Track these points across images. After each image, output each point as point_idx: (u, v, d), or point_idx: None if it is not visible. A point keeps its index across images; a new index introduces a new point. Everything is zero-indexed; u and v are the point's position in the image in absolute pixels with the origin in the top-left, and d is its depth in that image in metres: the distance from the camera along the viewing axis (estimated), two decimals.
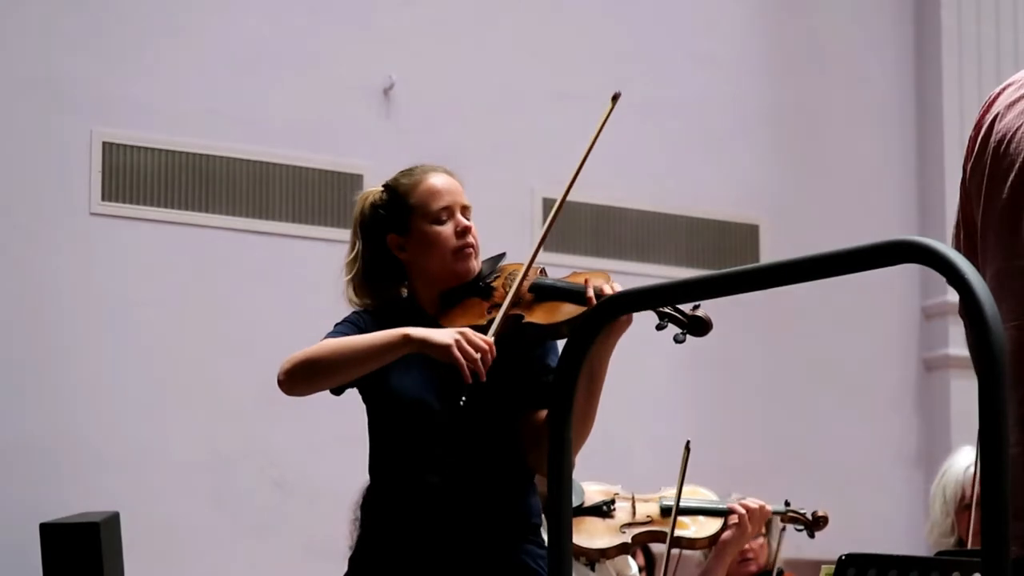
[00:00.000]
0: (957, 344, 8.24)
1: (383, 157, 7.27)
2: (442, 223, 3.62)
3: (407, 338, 3.45)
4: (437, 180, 3.68)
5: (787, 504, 4.86)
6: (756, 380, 8.08)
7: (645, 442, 7.34)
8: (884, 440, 8.28)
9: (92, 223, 6.90)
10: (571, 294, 3.58)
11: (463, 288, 3.66)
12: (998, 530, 1.66)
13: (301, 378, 3.55)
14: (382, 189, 3.73)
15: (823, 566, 4.71)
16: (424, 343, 3.43)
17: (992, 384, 1.66)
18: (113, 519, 6.14)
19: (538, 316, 3.58)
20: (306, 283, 7.16)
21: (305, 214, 7.25)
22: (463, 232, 3.63)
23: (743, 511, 4.61)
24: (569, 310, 3.56)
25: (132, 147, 6.99)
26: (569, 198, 8.57)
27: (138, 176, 7.00)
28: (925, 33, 8.58)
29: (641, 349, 7.41)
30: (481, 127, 7.57)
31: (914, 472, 8.31)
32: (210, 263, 7.06)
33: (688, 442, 4.48)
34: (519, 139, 7.66)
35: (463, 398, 3.42)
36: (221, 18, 7.21)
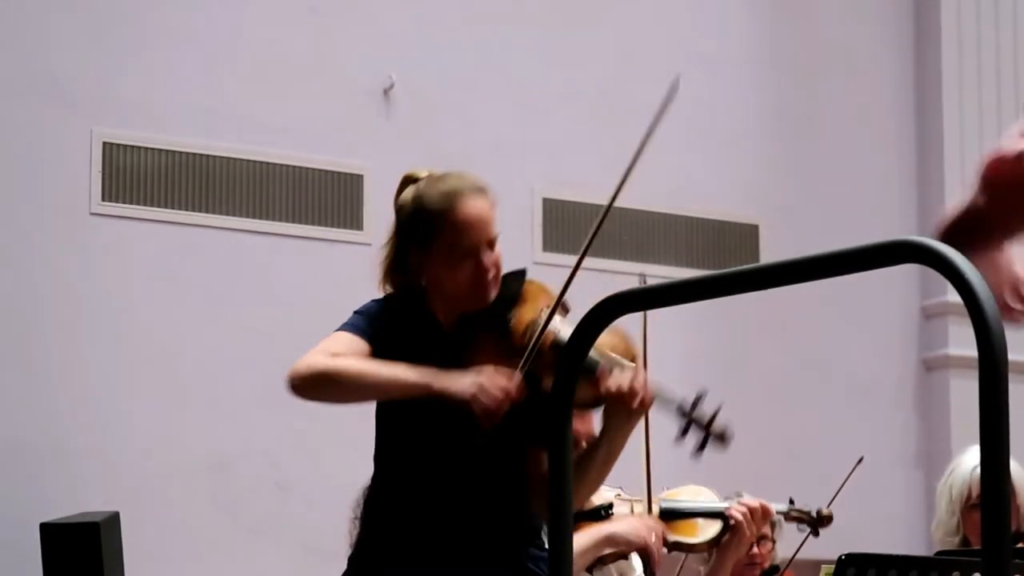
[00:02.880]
0: (957, 344, 8.24)
1: (383, 157, 7.27)
2: (467, 258, 3.53)
3: (429, 388, 3.42)
4: (471, 210, 3.53)
5: (791, 502, 4.84)
6: (756, 380, 8.08)
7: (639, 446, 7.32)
8: (884, 440, 8.28)
9: (92, 223, 6.90)
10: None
11: (483, 317, 3.58)
12: (998, 530, 1.66)
13: (315, 389, 3.54)
14: (412, 196, 3.59)
15: (823, 566, 4.71)
16: (444, 393, 3.41)
17: (992, 384, 1.66)
18: (113, 519, 6.15)
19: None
20: (306, 283, 7.17)
21: (305, 214, 7.25)
22: (482, 273, 3.54)
23: (740, 517, 4.58)
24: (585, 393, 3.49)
25: (132, 147, 6.99)
26: (569, 198, 8.57)
27: (138, 176, 7.00)
28: (925, 33, 8.58)
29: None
30: (481, 127, 7.57)
31: (914, 472, 8.31)
32: (210, 263, 7.06)
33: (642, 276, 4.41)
34: (519, 139, 7.66)
35: (479, 441, 3.42)
36: (221, 18, 7.20)
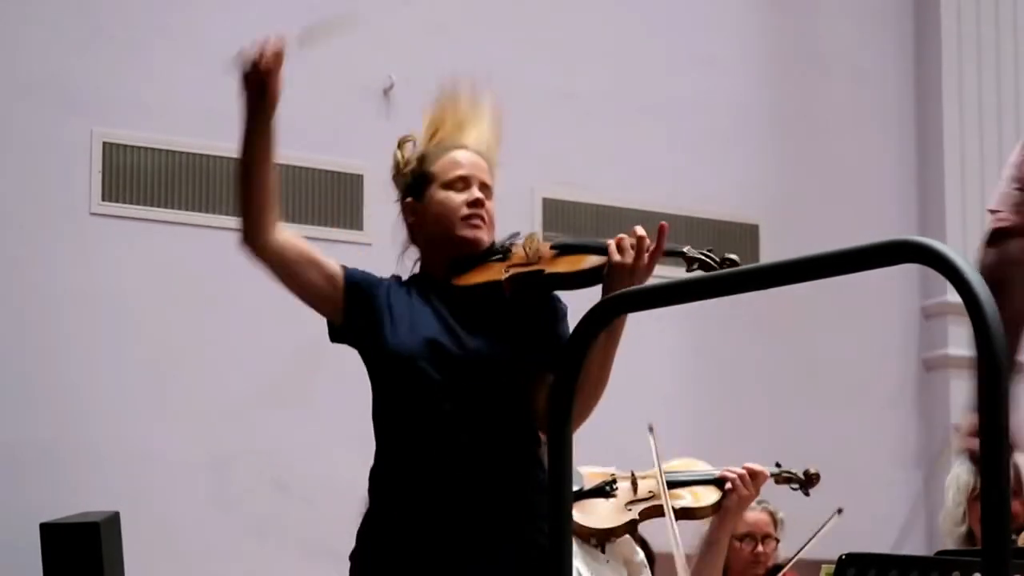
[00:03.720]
0: (957, 344, 8.24)
1: (383, 157, 7.23)
2: (456, 191, 3.62)
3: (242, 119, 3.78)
4: (462, 154, 3.69)
5: (778, 465, 4.87)
6: (756, 380, 8.08)
7: (644, 443, 7.32)
8: (883, 440, 8.28)
9: (92, 223, 6.90)
10: (595, 248, 3.52)
11: (478, 255, 3.60)
12: (998, 529, 1.66)
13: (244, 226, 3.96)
14: (414, 149, 3.79)
15: (823, 566, 4.71)
16: (244, 93, 3.91)
17: (992, 384, 1.66)
18: (113, 519, 6.15)
19: (560, 267, 3.53)
20: None
21: (305, 214, 7.25)
22: (475, 203, 3.60)
23: (735, 477, 4.60)
24: (593, 260, 3.48)
25: (132, 147, 6.99)
26: (568, 198, 8.57)
27: (138, 176, 7.00)
28: (925, 33, 8.58)
29: (641, 350, 7.41)
30: None
31: (913, 472, 8.32)
32: (210, 263, 7.06)
33: (650, 426, 4.55)
34: (519, 139, 7.64)
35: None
36: (221, 18, 7.20)
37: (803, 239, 7.87)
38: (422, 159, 3.75)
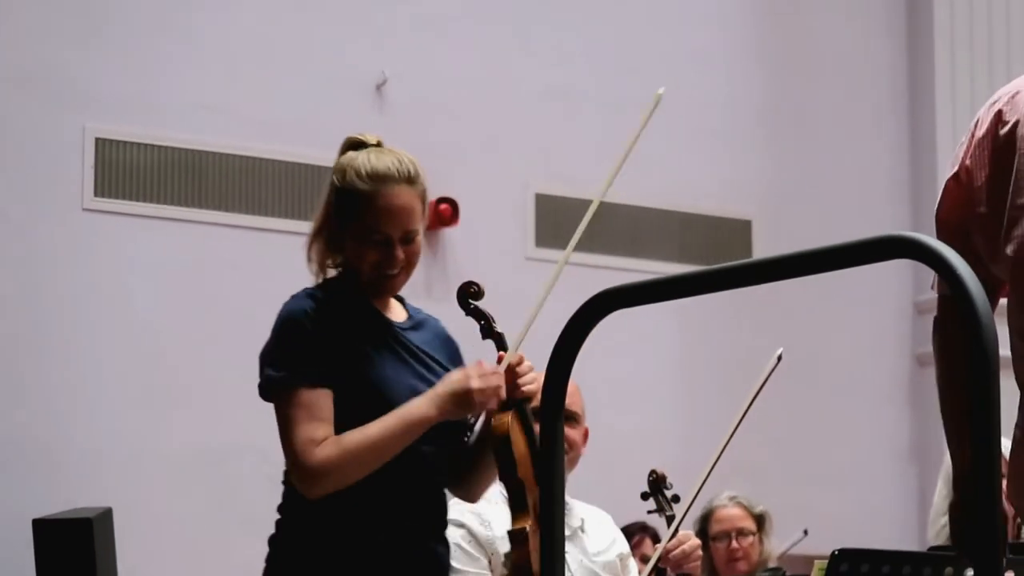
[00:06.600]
0: None
1: None
2: (372, 245, 3.47)
3: (430, 419, 3.39)
4: (393, 199, 3.47)
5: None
6: (749, 376, 8.07)
7: (640, 439, 7.33)
8: (877, 435, 8.29)
9: (85, 219, 6.89)
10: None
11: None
12: (991, 526, 1.66)
13: (339, 484, 3.62)
14: (345, 166, 3.58)
15: (816, 562, 4.72)
16: (456, 411, 3.39)
17: (984, 379, 1.66)
18: (106, 515, 6.14)
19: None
20: (298, 278, 7.15)
21: (297, 210, 7.24)
22: (379, 265, 3.47)
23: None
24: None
25: (125, 143, 6.98)
26: (561, 194, 8.55)
27: (131, 172, 7.00)
28: (918, 30, 8.58)
29: (634, 346, 7.42)
30: (475, 123, 7.57)
31: (907, 467, 8.32)
32: (203, 259, 7.06)
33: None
34: (512, 135, 7.67)
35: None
36: (215, 14, 7.20)
37: (796, 235, 7.87)
38: (350, 179, 3.55)
